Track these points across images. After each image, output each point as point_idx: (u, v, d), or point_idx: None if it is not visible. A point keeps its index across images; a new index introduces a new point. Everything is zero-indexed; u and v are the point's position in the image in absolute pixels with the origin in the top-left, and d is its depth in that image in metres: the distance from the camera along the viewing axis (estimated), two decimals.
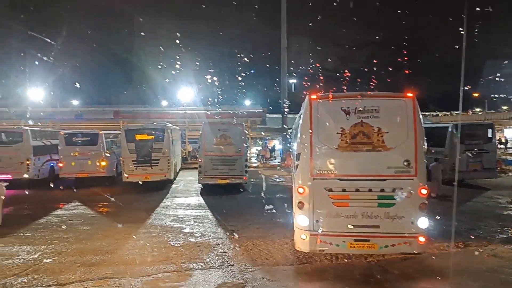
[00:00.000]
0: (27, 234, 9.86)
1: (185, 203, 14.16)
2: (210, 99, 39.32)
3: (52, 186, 15.59)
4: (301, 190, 6.90)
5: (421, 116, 6.84)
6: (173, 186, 18.33)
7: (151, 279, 6.82)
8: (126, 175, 17.13)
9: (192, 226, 10.67)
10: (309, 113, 6.95)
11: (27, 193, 15.64)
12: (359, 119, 6.82)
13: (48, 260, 7.83)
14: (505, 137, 39.48)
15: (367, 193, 6.72)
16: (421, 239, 6.66)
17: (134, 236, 9.55)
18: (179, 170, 23.49)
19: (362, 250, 6.89)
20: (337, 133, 6.86)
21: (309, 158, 6.88)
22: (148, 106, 39.40)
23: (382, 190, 6.68)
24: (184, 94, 36.82)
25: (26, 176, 17.93)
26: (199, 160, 16.48)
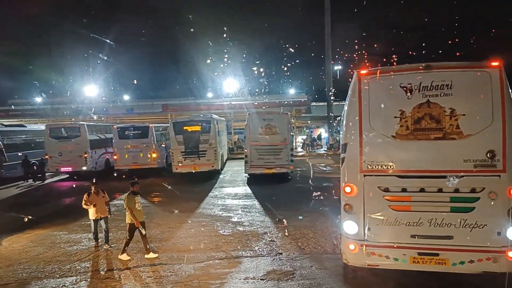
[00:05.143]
0: (88, 222, 10.50)
1: (232, 192, 14.43)
2: (256, 90, 39.59)
3: (109, 177, 16.52)
4: (348, 189, 5.63)
5: (511, 92, 5.20)
6: (221, 176, 18.73)
7: (202, 266, 7.07)
8: (175, 166, 17.77)
9: (240, 215, 10.87)
10: (358, 92, 5.56)
11: (86, 185, 16.67)
12: (425, 98, 5.34)
13: (107, 246, 8.35)
14: None
15: (436, 194, 5.33)
16: (511, 254, 5.14)
17: (185, 225, 9.93)
18: (226, 160, 23.92)
19: (429, 266, 5.46)
20: (395, 117, 5.42)
21: (357, 149, 5.55)
22: (194, 99, 40.32)
23: (456, 191, 5.25)
24: (230, 86, 37.27)
25: (84, 168, 19.23)
26: (245, 150, 16.67)
